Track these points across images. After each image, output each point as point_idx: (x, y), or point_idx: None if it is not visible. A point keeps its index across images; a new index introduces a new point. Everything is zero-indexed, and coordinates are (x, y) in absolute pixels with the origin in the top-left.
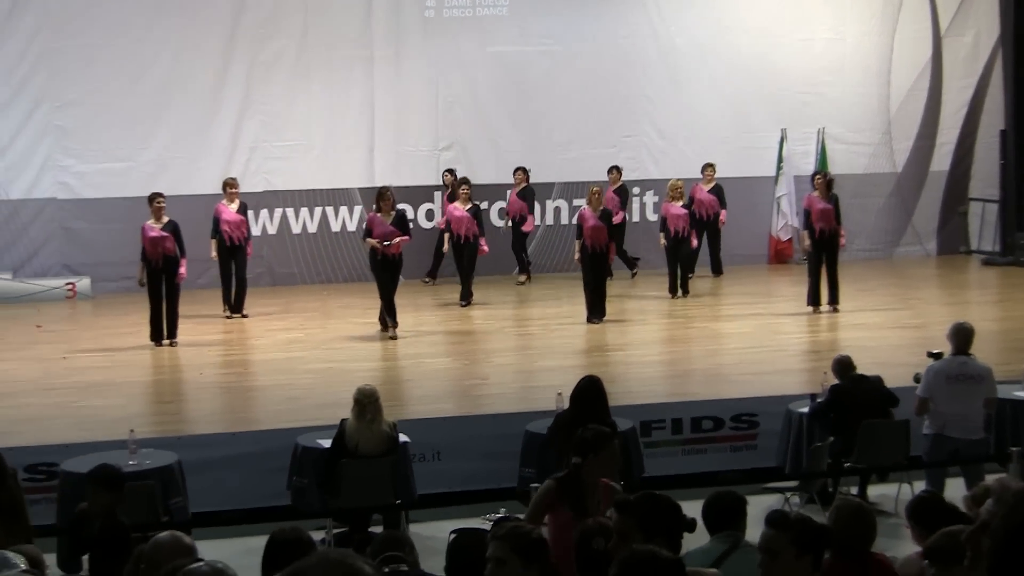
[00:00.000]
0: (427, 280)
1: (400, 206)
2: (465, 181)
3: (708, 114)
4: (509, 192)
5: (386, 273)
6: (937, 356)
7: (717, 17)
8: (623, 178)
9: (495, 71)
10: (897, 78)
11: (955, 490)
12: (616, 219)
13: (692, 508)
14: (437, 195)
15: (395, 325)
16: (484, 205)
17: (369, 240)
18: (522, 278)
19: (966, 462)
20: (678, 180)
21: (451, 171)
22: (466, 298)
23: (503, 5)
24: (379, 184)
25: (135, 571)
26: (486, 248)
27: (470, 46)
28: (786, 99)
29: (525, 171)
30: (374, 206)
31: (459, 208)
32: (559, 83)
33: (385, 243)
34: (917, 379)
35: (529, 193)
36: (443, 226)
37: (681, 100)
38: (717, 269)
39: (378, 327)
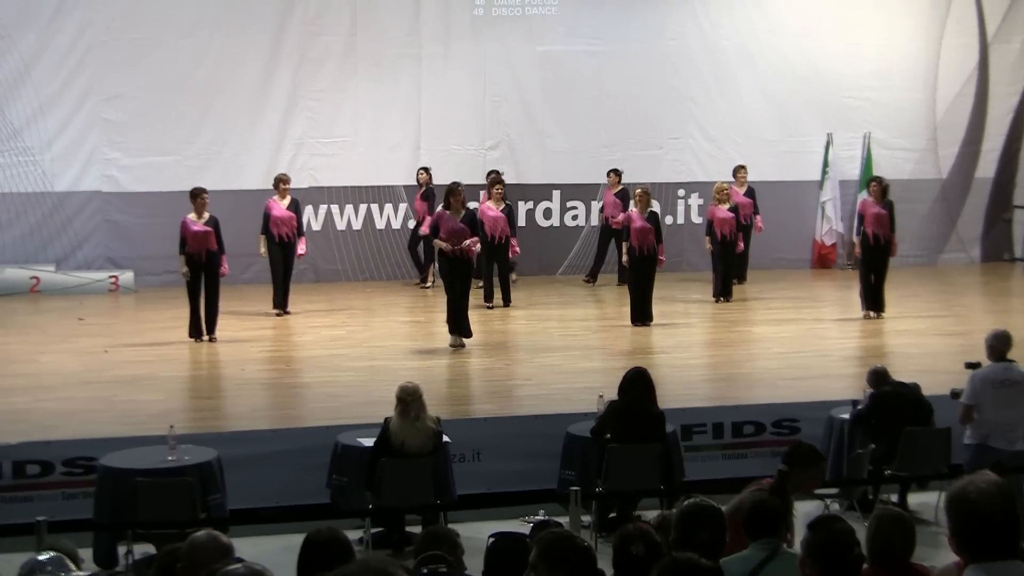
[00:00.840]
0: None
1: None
2: (499, 180)
3: (754, 117)
4: (603, 191)
5: (454, 276)
6: (975, 366)
7: (764, 20)
8: (622, 182)
9: (543, 70)
10: (943, 84)
11: None
12: (615, 222)
13: None
14: (482, 194)
15: (467, 335)
16: (530, 205)
17: (437, 241)
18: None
19: (1010, 471)
20: (724, 183)
21: (426, 169)
22: (506, 299)
23: (552, 4)
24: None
25: (170, 570)
26: (518, 249)
27: (518, 45)
28: (832, 103)
29: (618, 172)
30: (443, 203)
31: (492, 208)
32: (606, 83)
33: (456, 247)
34: (954, 395)
35: (624, 195)
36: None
37: (727, 102)
38: (742, 276)
39: (447, 334)
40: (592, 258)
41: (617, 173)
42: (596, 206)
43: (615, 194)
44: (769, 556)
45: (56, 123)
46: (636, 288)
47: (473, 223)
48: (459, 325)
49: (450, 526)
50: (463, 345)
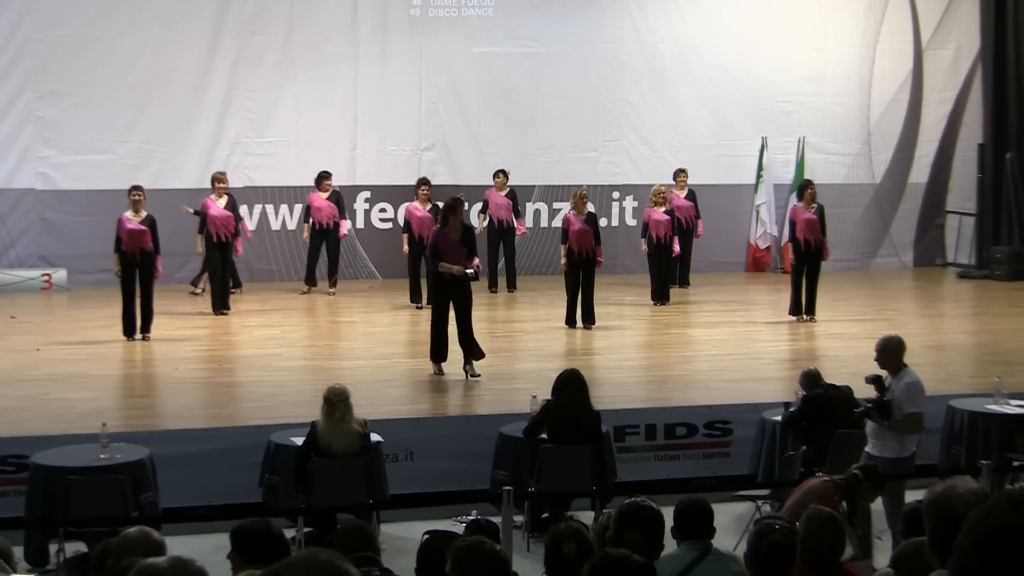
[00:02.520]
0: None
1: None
2: (425, 181)
3: (690, 120)
4: (488, 193)
5: (458, 298)
6: (875, 380)
7: (700, 24)
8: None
9: (479, 72)
10: (878, 89)
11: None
12: (519, 231)
13: (668, 515)
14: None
15: (480, 357)
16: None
17: (444, 266)
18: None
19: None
20: (661, 185)
21: (328, 174)
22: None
23: (489, 6)
24: (362, 183)
25: (101, 567)
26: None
27: (455, 46)
28: (768, 108)
29: (506, 173)
30: (440, 219)
31: (419, 208)
32: (543, 86)
33: (468, 271)
34: (861, 415)
35: (513, 196)
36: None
37: (663, 106)
38: (684, 280)
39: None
40: (536, 259)
41: (504, 174)
42: (531, 207)
43: (505, 195)
44: (700, 555)
45: None
46: (573, 291)
47: (470, 239)
48: (471, 349)
49: (383, 525)
50: (479, 375)
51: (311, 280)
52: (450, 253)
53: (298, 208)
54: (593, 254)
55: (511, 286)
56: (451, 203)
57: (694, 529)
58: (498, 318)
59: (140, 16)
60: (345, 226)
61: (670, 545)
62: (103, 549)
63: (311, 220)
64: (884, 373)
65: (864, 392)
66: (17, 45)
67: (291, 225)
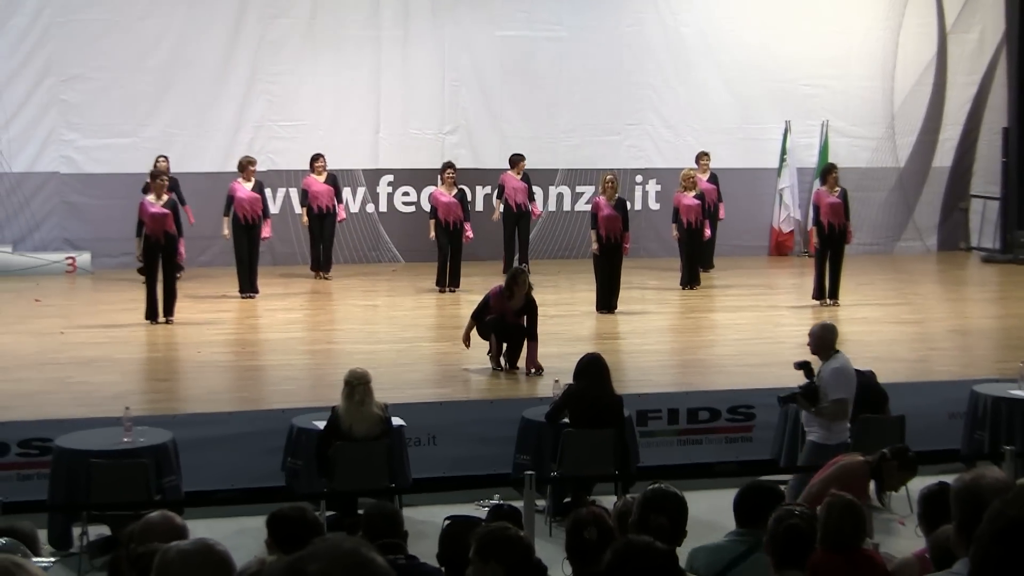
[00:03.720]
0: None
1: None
2: (450, 165)
3: (712, 104)
4: (503, 177)
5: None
6: (804, 365)
7: (724, 7)
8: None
9: (502, 55)
10: (902, 73)
11: None
12: (535, 214)
13: (690, 499)
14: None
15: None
16: (487, 190)
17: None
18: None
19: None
20: (690, 170)
21: (321, 155)
22: (455, 283)
23: None
24: (384, 166)
25: (125, 551)
26: (471, 234)
27: (478, 29)
28: (791, 91)
29: (522, 157)
30: (505, 290)
31: (444, 194)
32: (565, 69)
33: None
34: (782, 400)
35: (527, 179)
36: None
37: (685, 89)
38: (708, 264)
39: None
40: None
41: (521, 157)
42: (553, 191)
43: (520, 178)
44: (749, 550)
45: (13, 104)
46: (602, 276)
47: (533, 317)
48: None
49: (406, 509)
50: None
51: (317, 265)
52: (501, 321)
53: None
54: (620, 240)
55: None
56: (513, 274)
57: (753, 517)
58: None
59: (163, 0)
60: (342, 211)
61: (693, 531)
62: (126, 534)
63: (309, 204)
64: (815, 359)
65: (885, 377)
66: (41, 29)
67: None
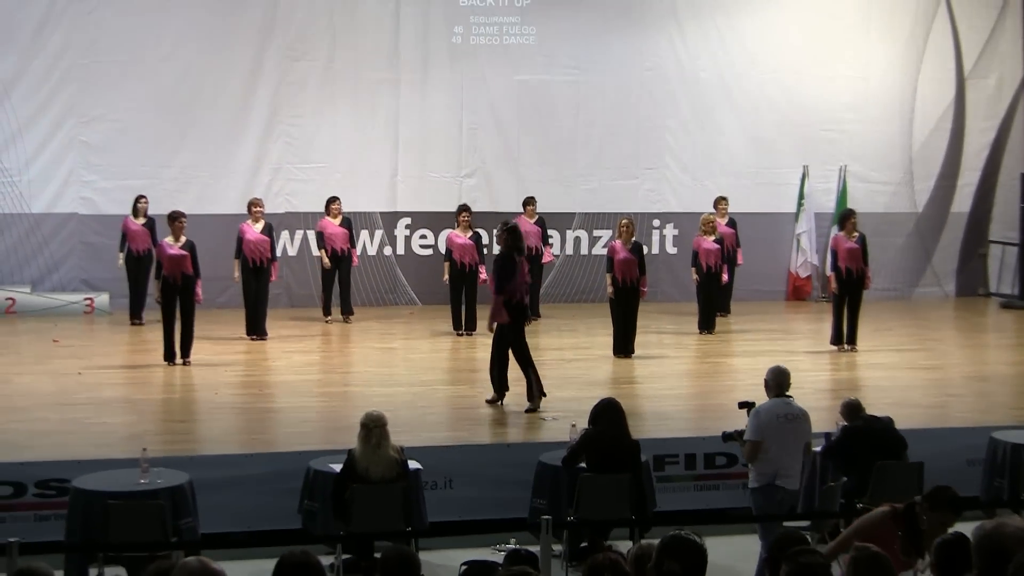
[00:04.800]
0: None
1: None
2: (465, 208)
3: (730, 148)
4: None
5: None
6: (750, 405)
7: (742, 51)
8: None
9: (520, 99)
10: (920, 118)
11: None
12: (546, 258)
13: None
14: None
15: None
16: None
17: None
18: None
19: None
20: (710, 214)
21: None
22: (471, 327)
23: (530, 33)
24: (402, 209)
25: None
26: (485, 276)
27: (496, 73)
28: (809, 136)
29: (534, 201)
30: (514, 250)
31: (460, 236)
32: (583, 113)
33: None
34: (726, 437)
35: (542, 223)
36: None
37: (704, 133)
38: (724, 308)
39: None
40: (574, 286)
41: (533, 202)
42: (571, 235)
43: (534, 223)
44: None
45: (34, 144)
46: (618, 320)
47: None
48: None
49: (422, 553)
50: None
51: (329, 310)
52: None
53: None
54: (636, 283)
55: (534, 313)
56: (510, 228)
57: None
58: (539, 346)
59: (183, 42)
60: (355, 255)
61: None
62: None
63: (325, 247)
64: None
65: (903, 424)
66: (62, 71)
67: None
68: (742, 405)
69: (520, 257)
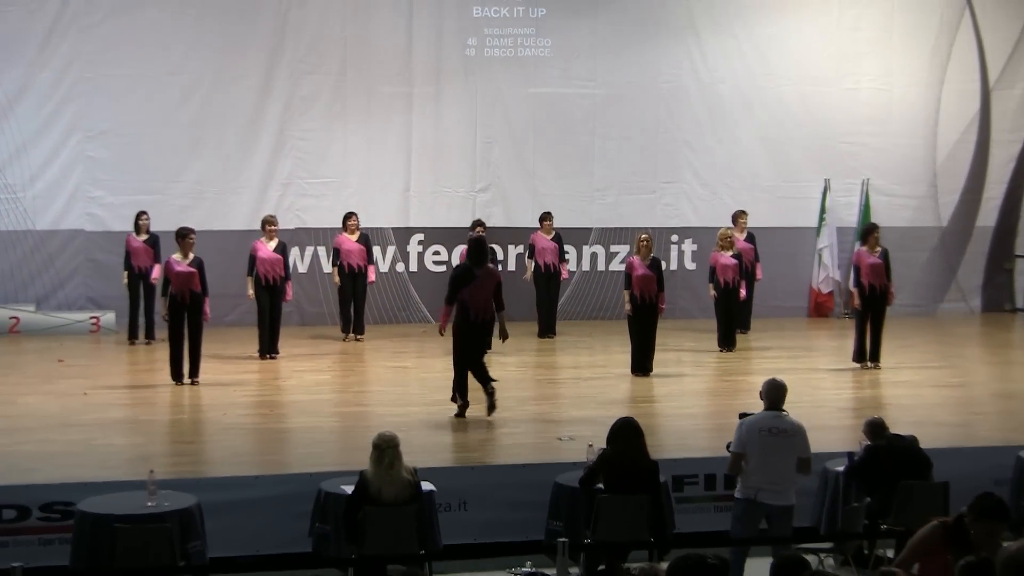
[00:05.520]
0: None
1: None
2: (479, 223)
3: (750, 162)
4: (533, 237)
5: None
6: (744, 416)
7: (761, 64)
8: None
9: (535, 112)
10: (944, 130)
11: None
12: (564, 275)
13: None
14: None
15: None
16: (520, 248)
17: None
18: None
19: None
20: (728, 229)
21: (354, 214)
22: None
23: (545, 46)
24: (415, 225)
25: None
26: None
27: (510, 86)
28: (830, 149)
29: (550, 217)
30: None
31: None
32: (599, 126)
33: None
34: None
35: (559, 239)
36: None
37: (723, 147)
38: (745, 325)
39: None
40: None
41: (549, 217)
42: (587, 250)
43: (551, 239)
44: None
45: (39, 160)
46: (636, 337)
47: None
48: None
49: None
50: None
51: (348, 328)
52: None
53: None
54: (655, 300)
55: (551, 330)
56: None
57: None
58: (556, 364)
59: (191, 55)
60: (373, 272)
61: None
62: None
63: (340, 263)
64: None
65: (927, 443)
66: (68, 85)
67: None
68: (743, 416)
69: (479, 271)
